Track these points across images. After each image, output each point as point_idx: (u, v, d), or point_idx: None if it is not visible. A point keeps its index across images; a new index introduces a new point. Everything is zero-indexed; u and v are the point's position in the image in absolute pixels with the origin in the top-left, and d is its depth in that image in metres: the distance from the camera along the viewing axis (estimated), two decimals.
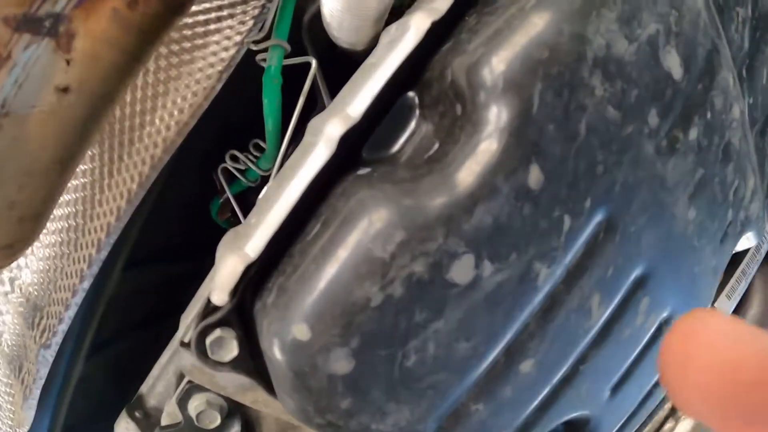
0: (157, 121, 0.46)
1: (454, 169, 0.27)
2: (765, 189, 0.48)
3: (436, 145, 0.29)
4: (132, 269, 0.57)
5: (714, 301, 0.57)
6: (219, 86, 0.44)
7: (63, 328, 0.50)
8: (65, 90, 0.30)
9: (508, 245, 0.28)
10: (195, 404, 0.47)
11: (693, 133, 0.35)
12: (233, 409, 0.48)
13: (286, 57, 0.43)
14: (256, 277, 0.30)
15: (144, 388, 0.56)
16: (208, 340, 0.31)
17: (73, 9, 0.27)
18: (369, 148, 0.31)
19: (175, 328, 0.42)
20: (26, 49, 0.26)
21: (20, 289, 0.54)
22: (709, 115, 0.36)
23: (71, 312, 0.50)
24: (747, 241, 0.50)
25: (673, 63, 0.33)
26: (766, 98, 0.45)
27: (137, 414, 0.54)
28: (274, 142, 0.43)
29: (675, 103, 0.33)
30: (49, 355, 0.51)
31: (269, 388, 0.33)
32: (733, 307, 0.59)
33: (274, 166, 0.44)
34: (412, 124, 0.31)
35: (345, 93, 0.32)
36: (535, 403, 0.36)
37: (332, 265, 0.26)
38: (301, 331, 0.26)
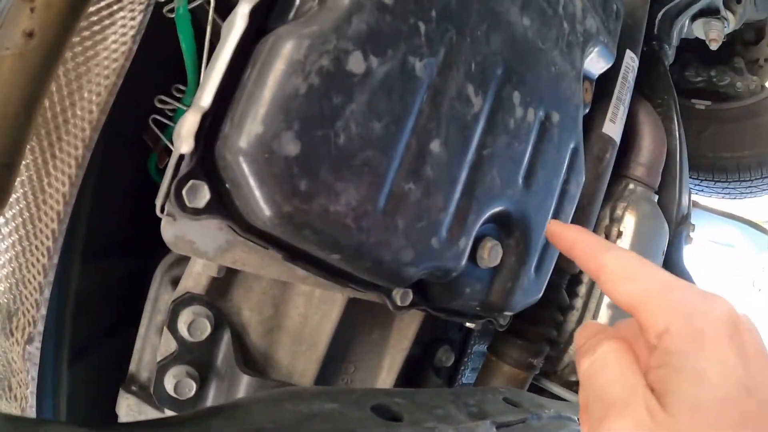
0: (86, 93, 0.64)
1: (332, 2, 0.48)
2: (601, 12, 0.72)
3: (317, 1, 0.50)
4: (91, 261, 0.72)
5: (602, 127, 0.80)
6: (135, 46, 0.64)
7: (42, 313, 0.64)
8: (30, 34, 0.48)
9: (383, 43, 0.48)
10: (184, 319, 0.63)
11: None
12: (220, 320, 0.65)
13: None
14: (213, 128, 0.48)
15: (132, 366, 0.72)
16: (184, 190, 0.48)
17: None
18: (273, 20, 0.52)
19: None
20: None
21: None
22: None
23: (46, 293, 0.64)
24: (600, 63, 0.74)
25: None
26: None
27: (133, 388, 0.69)
28: (194, 74, 0.62)
29: None
30: (35, 348, 0.65)
31: (243, 228, 0.50)
32: (621, 131, 0.82)
33: None
34: (298, 1, 0.52)
35: None
36: (458, 187, 0.55)
37: (269, 76, 0.45)
38: (255, 127, 0.45)
